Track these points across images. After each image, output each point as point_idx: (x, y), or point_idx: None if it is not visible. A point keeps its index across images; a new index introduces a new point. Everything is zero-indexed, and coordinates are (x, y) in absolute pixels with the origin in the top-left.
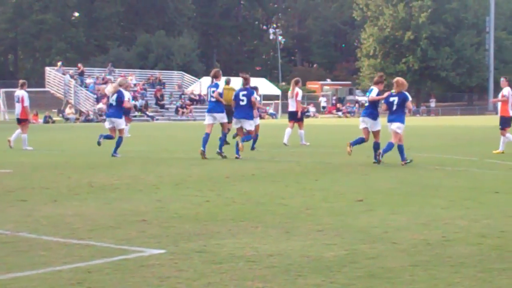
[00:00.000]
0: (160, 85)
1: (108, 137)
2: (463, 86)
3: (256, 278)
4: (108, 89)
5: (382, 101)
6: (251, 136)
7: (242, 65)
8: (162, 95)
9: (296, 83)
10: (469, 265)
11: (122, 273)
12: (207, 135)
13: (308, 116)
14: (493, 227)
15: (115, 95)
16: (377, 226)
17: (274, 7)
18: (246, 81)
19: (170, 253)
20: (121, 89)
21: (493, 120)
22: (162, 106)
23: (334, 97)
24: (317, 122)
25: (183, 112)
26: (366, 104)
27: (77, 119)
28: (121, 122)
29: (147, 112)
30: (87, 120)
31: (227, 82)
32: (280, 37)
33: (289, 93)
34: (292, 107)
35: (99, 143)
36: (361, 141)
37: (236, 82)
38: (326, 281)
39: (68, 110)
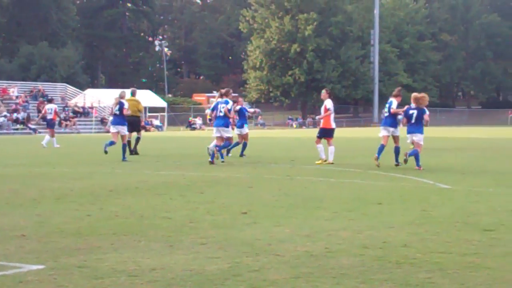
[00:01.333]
0: (43, 97)
1: (112, 144)
2: (349, 98)
3: None
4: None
5: (402, 115)
6: (229, 143)
7: (128, 77)
8: None
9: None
10: (351, 276)
11: None
12: (217, 146)
13: (194, 129)
14: (376, 238)
15: (118, 106)
16: (261, 239)
17: (160, 18)
18: (225, 94)
19: (50, 269)
20: (121, 100)
21: (379, 132)
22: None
23: None
24: (203, 134)
25: (66, 125)
26: (386, 115)
27: None
28: (124, 129)
29: (30, 125)
30: None
31: (133, 94)
32: (166, 49)
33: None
34: None
35: (105, 152)
36: (382, 148)
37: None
38: None
39: None
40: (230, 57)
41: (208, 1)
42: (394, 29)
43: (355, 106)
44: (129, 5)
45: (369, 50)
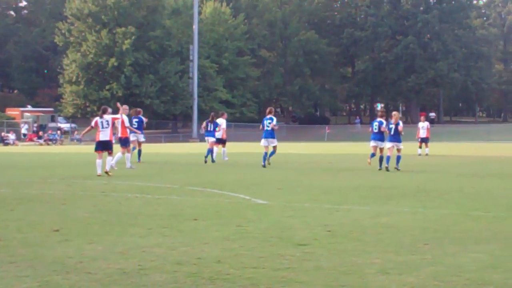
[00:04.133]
0: None
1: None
2: (168, 114)
3: None
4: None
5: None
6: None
7: None
8: None
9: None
10: None
11: None
12: (266, 153)
13: (8, 144)
14: (190, 254)
15: (137, 119)
16: (72, 256)
17: None
18: (136, 112)
19: None
20: (140, 116)
21: (197, 148)
22: None
23: (36, 124)
24: (17, 150)
25: None
26: (376, 131)
27: None
28: (142, 137)
29: None
30: None
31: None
32: None
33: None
34: (119, 133)
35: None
36: (373, 155)
37: None
38: None
39: None
40: (45, 71)
41: (23, 13)
42: (214, 45)
43: (174, 122)
44: None
45: (188, 66)
